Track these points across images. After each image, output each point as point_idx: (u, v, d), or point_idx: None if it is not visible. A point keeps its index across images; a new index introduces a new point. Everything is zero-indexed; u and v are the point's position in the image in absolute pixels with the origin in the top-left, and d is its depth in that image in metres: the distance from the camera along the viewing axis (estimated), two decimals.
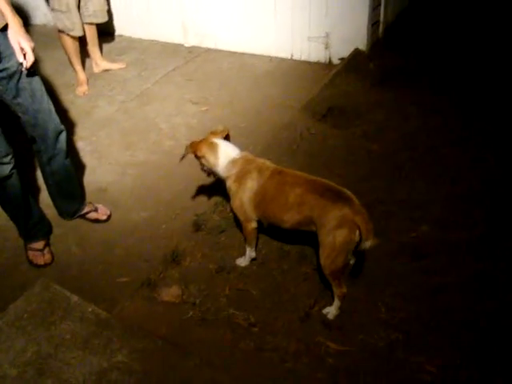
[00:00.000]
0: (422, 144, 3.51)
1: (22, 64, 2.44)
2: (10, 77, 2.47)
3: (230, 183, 2.60)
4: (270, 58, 4.79)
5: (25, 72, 2.50)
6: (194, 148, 2.62)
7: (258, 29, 4.76)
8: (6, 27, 2.41)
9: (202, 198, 3.23)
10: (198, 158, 2.65)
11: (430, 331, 2.34)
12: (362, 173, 3.27)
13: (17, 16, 2.43)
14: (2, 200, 2.85)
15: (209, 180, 3.02)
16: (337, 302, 2.42)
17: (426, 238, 2.82)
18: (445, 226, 2.89)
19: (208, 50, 5.07)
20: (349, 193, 2.33)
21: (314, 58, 4.67)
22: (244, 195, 2.55)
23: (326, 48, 4.58)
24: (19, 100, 2.57)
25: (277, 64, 4.70)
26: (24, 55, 2.42)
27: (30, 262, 2.91)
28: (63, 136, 2.84)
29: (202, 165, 2.67)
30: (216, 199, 3.17)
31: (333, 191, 2.34)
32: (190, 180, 2.95)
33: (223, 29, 4.94)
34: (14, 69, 2.45)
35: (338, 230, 2.25)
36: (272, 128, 3.79)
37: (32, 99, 2.59)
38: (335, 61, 4.60)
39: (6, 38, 2.40)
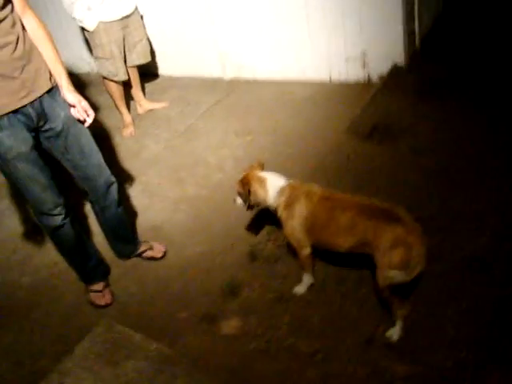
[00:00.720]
0: (472, 155, 3.42)
1: (85, 121, 2.53)
2: (57, 135, 2.56)
3: (280, 212, 2.62)
4: (309, 84, 4.80)
5: (74, 129, 2.57)
6: (244, 186, 2.66)
7: (294, 55, 4.78)
8: (51, 88, 2.50)
9: (255, 228, 3.23)
10: (243, 194, 2.67)
11: (500, 347, 2.25)
12: (412, 189, 3.21)
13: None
14: (57, 247, 2.94)
15: (260, 210, 3.03)
16: (399, 323, 2.37)
17: (485, 250, 2.73)
18: (504, 237, 2.79)
19: (247, 81, 5.12)
20: (402, 211, 2.30)
21: (352, 78, 4.65)
22: (294, 222, 2.56)
23: (364, 67, 4.57)
24: (68, 157, 2.65)
25: (316, 88, 4.70)
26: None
27: (92, 303, 2.98)
28: (114, 187, 2.90)
29: (246, 200, 2.68)
30: (269, 228, 3.17)
31: (385, 211, 2.32)
32: (241, 211, 2.97)
33: (260, 58, 4.99)
34: (60, 128, 2.53)
35: (393, 250, 2.22)
36: (318, 152, 3.79)
37: (81, 155, 2.66)
38: (374, 79, 4.57)
39: (52, 98, 2.48)
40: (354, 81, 4.65)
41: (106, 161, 2.82)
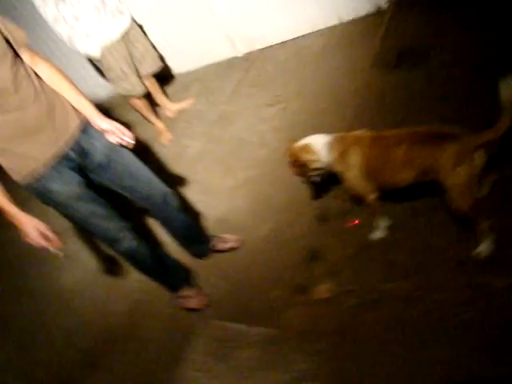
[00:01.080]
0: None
1: (126, 144, 2.55)
2: (102, 167, 2.60)
3: (336, 166, 2.61)
4: (322, 32, 4.70)
5: (116, 155, 2.61)
6: (295, 164, 2.70)
7: (300, 9, 4.67)
8: (82, 125, 2.54)
9: (315, 192, 3.22)
10: (301, 172, 2.72)
11: None
12: (456, 104, 3.11)
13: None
14: (137, 268, 3.03)
15: None
16: (487, 238, 2.33)
17: None
18: None
19: (261, 51, 5.06)
20: (452, 127, 2.25)
21: (361, 13, 4.52)
22: (353, 172, 2.55)
23: None
24: (119, 183, 2.70)
25: (329, 35, 4.59)
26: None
27: (187, 309, 3.06)
28: (171, 196, 2.93)
29: (304, 172, 2.71)
30: (330, 187, 3.15)
31: (436, 133, 2.29)
32: (296, 179, 2.97)
33: (267, 24, 4.89)
34: (102, 160, 2.57)
35: (457, 168, 2.19)
36: (351, 97, 3.73)
37: (130, 178, 2.71)
38: (383, 5, 4.42)
39: (87, 134, 2.52)
40: (364, 15, 4.52)
41: (154, 173, 2.87)
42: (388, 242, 2.69)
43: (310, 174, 2.77)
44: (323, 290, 2.65)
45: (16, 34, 2.32)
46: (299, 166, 2.73)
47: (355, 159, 2.52)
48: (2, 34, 2.23)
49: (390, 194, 2.69)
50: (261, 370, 2.42)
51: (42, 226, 2.37)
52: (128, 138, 2.53)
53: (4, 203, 2.33)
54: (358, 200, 2.77)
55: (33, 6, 3.96)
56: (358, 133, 2.58)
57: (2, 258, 4.74)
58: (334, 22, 4.65)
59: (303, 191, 3.25)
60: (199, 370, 2.59)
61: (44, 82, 2.41)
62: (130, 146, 2.57)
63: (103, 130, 2.52)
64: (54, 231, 2.39)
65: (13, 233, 2.40)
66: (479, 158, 2.17)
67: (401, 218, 2.75)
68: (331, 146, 2.59)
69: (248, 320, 2.71)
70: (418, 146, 2.31)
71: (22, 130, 2.31)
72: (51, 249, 2.39)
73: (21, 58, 2.34)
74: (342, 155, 2.56)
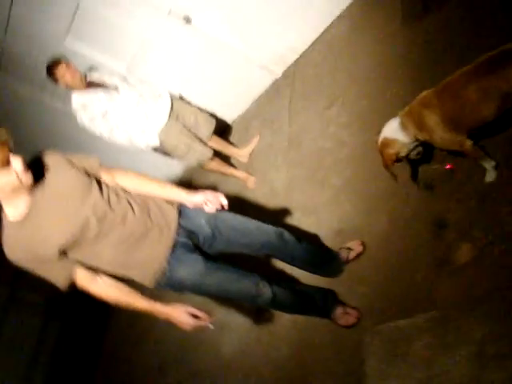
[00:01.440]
0: None
1: (222, 207, 2.62)
2: (213, 238, 2.73)
3: (421, 137, 2.60)
4: (340, 18, 4.66)
5: (219, 222, 2.73)
6: (386, 161, 2.75)
7: (308, 6, 4.64)
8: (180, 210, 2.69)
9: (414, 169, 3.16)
10: (392, 162, 2.76)
11: None
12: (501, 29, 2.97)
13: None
14: (285, 311, 3.11)
15: None
16: None
17: None
18: None
19: (296, 62, 5.07)
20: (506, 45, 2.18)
21: None
22: (437, 133, 2.51)
23: None
24: (233, 245, 2.82)
25: (349, 15, 4.55)
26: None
27: (346, 327, 3.07)
28: (285, 234, 2.99)
29: (400, 160, 2.75)
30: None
31: (498, 57, 2.21)
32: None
33: (286, 36, 4.85)
34: (210, 232, 2.71)
35: None
36: (398, 60, 3.65)
37: (241, 236, 2.81)
38: None
39: (187, 216, 2.67)
40: None
41: (259, 219, 2.95)
42: (504, 180, 2.58)
43: (409, 155, 2.77)
44: (464, 253, 2.58)
45: (89, 162, 2.53)
46: (392, 161, 2.76)
47: (433, 121, 2.48)
48: (80, 170, 2.43)
49: (480, 135, 2.61)
50: (441, 353, 2.37)
51: (190, 309, 2.51)
52: (222, 200, 2.60)
53: (148, 306, 2.51)
54: (456, 154, 2.71)
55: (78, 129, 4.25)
56: (420, 97, 2.56)
57: (166, 355, 5.00)
58: (347, 1, 4.60)
59: (400, 172, 3.19)
60: (383, 379, 2.58)
61: (130, 193, 2.59)
62: (226, 208, 2.64)
63: (197, 205, 2.61)
64: (199, 307, 2.52)
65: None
66: None
67: (504, 154, 2.64)
68: (404, 124, 2.59)
69: (405, 312, 2.68)
70: (487, 77, 2.25)
71: (132, 240, 2.48)
72: (205, 325, 2.52)
73: (103, 181, 2.53)
74: (419, 125, 2.54)
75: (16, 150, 2.18)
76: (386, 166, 2.81)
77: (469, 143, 2.54)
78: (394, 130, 2.64)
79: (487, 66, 2.26)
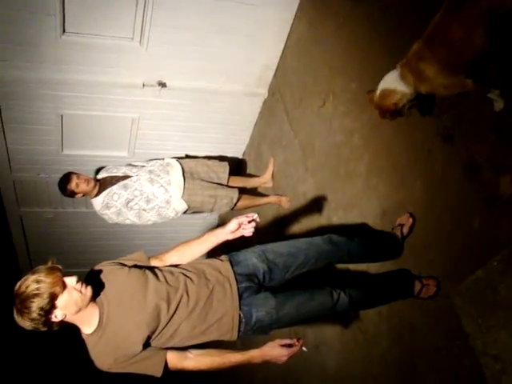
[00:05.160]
0: None
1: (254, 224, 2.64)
2: (270, 271, 2.80)
3: (421, 89, 2.65)
4: (294, 18, 4.68)
5: (267, 251, 2.82)
6: (384, 111, 2.79)
7: (262, 23, 4.62)
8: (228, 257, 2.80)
9: (422, 126, 3.19)
10: (390, 113, 2.81)
11: None
12: None
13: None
14: (363, 309, 3.15)
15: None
16: None
17: None
18: None
19: (275, 75, 5.08)
20: None
21: None
22: (436, 80, 2.56)
23: None
24: (290, 270, 2.87)
25: (303, 14, 4.54)
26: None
27: (430, 298, 3.06)
28: (334, 238, 3.04)
29: (399, 112, 2.79)
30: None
31: None
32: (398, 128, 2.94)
33: (256, 59, 4.93)
34: (264, 266, 2.78)
35: None
36: (368, 39, 3.69)
37: (293, 258, 2.87)
38: None
39: (236, 263, 2.77)
40: None
41: (305, 236, 3.00)
42: None
43: (406, 107, 2.80)
44: (506, 184, 2.54)
45: (137, 257, 2.64)
46: (391, 112, 2.78)
47: (431, 72, 2.52)
48: (132, 267, 2.54)
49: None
50: None
51: (279, 341, 2.55)
52: (252, 216, 2.63)
53: (242, 357, 2.56)
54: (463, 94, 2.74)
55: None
56: (413, 49, 2.60)
57: None
58: (296, 2, 4.65)
59: (411, 131, 3.24)
60: (486, 332, 2.58)
61: (181, 264, 2.70)
62: (258, 220, 2.64)
63: (234, 233, 2.65)
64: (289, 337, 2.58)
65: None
66: None
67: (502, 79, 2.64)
68: (404, 75, 2.63)
69: (478, 262, 2.67)
70: (464, 6, 2.31)
71: (201, 306, 2.57)
72: (299, 349, 2.56)
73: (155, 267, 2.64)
74: (419, 78, 2.59)
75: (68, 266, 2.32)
76: (384, 117, 2.86)
77: (470, 81, 2.56)
78: (393, 80, 2.68)
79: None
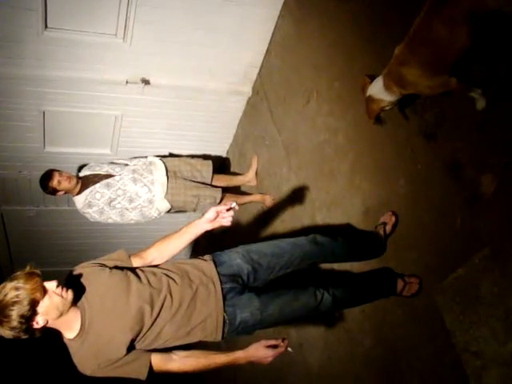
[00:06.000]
0: None
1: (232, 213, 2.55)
2: (252, 273, 2.78)
3: (406, 92, 2.72)
4: (279, 17, 4.69)
5: (252, 252, 2.80)
6: (372, 113, 2.87)
7: (247, 21, 4.62)
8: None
9: (400, 126, 3.20)
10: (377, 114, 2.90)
11: None
12: None
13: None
14: (346, 308, 3.18)
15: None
16: None
17: None
18: None
19: (259, 74, 5.09)
20: None
21: None
22: (421, 83, 2.60)
23: None
24: (274, 270, 2.86)
25: (288, 12, 4.56)
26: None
27: (412, 296, 3.08)
28: (318, 237, 3.03)
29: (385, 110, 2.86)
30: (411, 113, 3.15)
31: None
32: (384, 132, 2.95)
33: (241, 57, 4.92)
34: (248, 268, 2.75)
35: None
36: (352, 36, 3.70)
37: (277, 258, 2.85)
38: None
39: (220, 264, 2.73)
40: None
41: (289, 235, 3.00)
42: (492, 102, 2.61)
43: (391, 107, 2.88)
44: (488, 183, 2.58)
45: (117, 257, 2.59)
46: (376, 115, 2.92)
47: (414, 75, 2.56)
48: (113, 268, 2.50)
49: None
50: (508, 284, 2.41)
51: (264, 342, 2.53)
52: (229, 204, 2.56)
53: (227, 358, 2.53)
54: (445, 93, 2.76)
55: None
56: (395, 55, 2.63)
57: None
58: (281, 1, 4.65)
59: (395, 131, 3.25)
60: (468, 329, 2.61)
61: (161, 264, 2.66)
62: (237, 207, 2.57)
63: (212, 221, 2.56)
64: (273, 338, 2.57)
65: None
66: None
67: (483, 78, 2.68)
68: (387, 85, 2.66)
69: (460, 260, 2.69)
70: (445, 6, 2.32)
71: (185, 307, 2.52)
72: (284, 350, 2.54)
73: (137, 267, 2.59)
74: (402, 84, 2.63)
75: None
76: (370, 117, 2.96)
77: (454, 80, 2.58)
78: (378, 91, 2.74)
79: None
